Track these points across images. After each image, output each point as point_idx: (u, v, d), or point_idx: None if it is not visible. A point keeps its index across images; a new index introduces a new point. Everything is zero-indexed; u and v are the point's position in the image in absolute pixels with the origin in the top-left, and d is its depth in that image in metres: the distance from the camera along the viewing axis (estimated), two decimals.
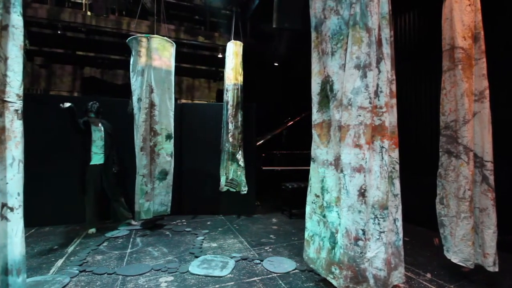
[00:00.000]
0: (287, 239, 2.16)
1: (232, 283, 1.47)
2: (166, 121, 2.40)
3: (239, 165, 2.63)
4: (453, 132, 1.48)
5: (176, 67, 2.55)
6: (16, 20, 0.99)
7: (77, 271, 1.55)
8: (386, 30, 1.25)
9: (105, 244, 2.01)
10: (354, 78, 1.17)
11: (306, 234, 1.40)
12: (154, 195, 2.34)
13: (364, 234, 1.12)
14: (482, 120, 1.47)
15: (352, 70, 1.17)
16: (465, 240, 1.41)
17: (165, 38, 2.48)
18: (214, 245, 2.02)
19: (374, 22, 1.19)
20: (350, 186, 1.14)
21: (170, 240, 2.10)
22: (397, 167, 1.23)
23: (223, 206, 2.85)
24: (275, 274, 1.56)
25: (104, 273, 1.54)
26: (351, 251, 1.14)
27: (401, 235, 1.23)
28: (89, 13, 3.80)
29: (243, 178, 2.62)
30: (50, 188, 2.39)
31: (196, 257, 1.78)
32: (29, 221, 1.01)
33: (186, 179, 2.85)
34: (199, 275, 1.54)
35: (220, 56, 4.33)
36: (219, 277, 1.53)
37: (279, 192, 3.02)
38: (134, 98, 2.34)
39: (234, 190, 2.64)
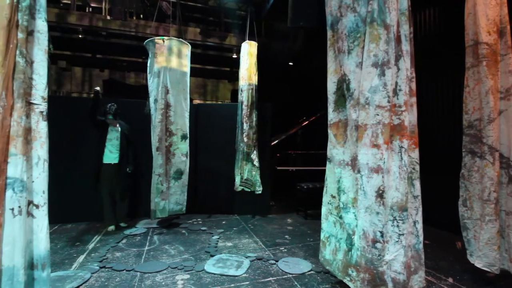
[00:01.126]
0: (303, 240, 2.14)
1: (247, 282, 1.47)
2: (181, 121, 2.43)
3: (254, 165, 2.63)
4: (477, 131, 1.41)
5: (191, 68, 2.59)
6: (41, 25, 1.03)
7: (98, 267, 1.60)
8: (405, 27, 1.21)
9: (124, 241, 2.07)
10: (371, 77, 1.14)
11: (322, 235, 1.38)
12: (169, 194, 2.38)
13: (382, 236, 1.10)
14: (509, 118, 1.39)
15: (370, 68, 1.14)
16: (490, 244, 1.35)
17: (181, 39, 2.52)
18: (229, 244, 2.03)
19: (393, 18, 1.16)
20: (368, 187, 1.11)
21: (186, 239, 2.14)
22: (417, 167, 1.19)
23: (238, 206, 2.86)
24: (291, 275, 1.55)
25: (123, 270, 1.59)
26: (369, 253, 1.11)
27: (421, 238, 1.18)
28: (108, 17, 3.93)
29: (258, 178, 2.63)
30: (72, 186, 2.49)
31: (212, 256, 1.80)
32: (52, 218, 1.06)
33: (201, 178, 2.88)
34: (214, 273, 1.56)
35: (234, 56, 4.35)
36: (234, 276, 1.53)
37: (294, 193, 3.00)
38: (151, 99, 2.40)
39: (249, 190, 2.65)
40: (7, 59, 0.95)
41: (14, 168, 0.91)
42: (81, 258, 1.75)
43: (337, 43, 1.33)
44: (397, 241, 1.11)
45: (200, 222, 2.60)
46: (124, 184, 2.36)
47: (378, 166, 1.11)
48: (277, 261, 1.72)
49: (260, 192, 2.64)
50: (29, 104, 0.98)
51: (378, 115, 1.12)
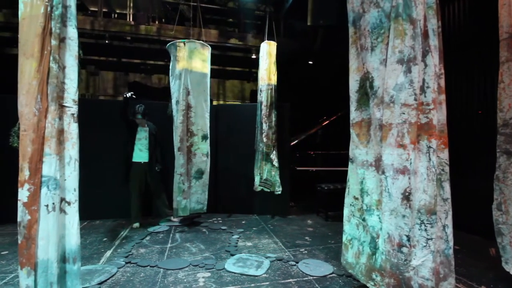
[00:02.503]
0: (323, 241, 2.10)
1: (267, 283, 1.47)
2: (202, 122, 2.48)
3: (273, 165, 2.63)
4: None
5: (211, 69, 2.63)
6: (72, 32, 1.09)
7: (123, 262, 1.67)
8: (433, 21, 1.15)
9: (147, 238, 2.14)
10: (396, 74, 1.10)
11: (344, 238, 1.34)
12: (190, 193, 2.44)
13: (408, 240, 1.05)
14: None
15: (395, 65, 1.10)
16: None
17: (201, 42, 2.57)
18: (249, 244, 2.04)
19: (419, 12, 1.11)
20: (393, 188, 1.07)
21: (207, 237, 2.17)
22: (447, 169, 1.13)
23: (258, 206, 2.87)
24: (311, 277, 1.53)
25: (147, 266, 1.64)
26: (394, 258, 1.07)
27: (451, 243, 1.12)
28: (133, 22, 4.09)
29: (277, 178, 2.61)
30: (100, 184, 2.61)
31: (232, 255, 1.81)
32: (82, 215, 1.12)
33: (221, 178, 2.92)
34: (235, 273, 1.57)
35: (254, 57, 4.37)
36: (254, 276, 1.54)
37: (314, 193, 2.95)
38: (173, 101, 2.47)
39: (268, 190, 2.65)
40: (42, 65, 1.02)
41: (49, 167, 0.97)
42: (108, 253, 1.83)
43: (360, 40, 1.29)
44: (425, 246, 1.06)
45: (220, 221, 2.63)
46: (157, 181, 2.48)
47: (404, 167, 1.06)
48: (297, 262, 1.70)
49: (279, 192, 2.63)
50: (61, 107, 1.05)
51: (404, 113, 1.08)
